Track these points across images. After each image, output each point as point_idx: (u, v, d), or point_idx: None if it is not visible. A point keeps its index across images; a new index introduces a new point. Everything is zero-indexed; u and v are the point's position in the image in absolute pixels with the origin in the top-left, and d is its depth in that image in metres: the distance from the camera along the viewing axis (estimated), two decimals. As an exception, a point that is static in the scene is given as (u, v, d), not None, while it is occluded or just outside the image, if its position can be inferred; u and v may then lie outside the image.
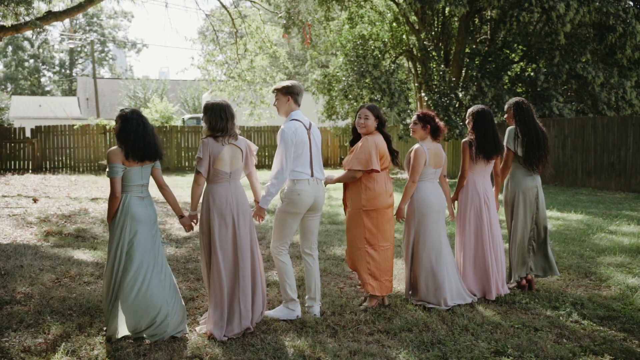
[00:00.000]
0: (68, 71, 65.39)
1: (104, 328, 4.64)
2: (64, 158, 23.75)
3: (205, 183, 4.82)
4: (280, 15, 21.61)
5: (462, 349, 4.35)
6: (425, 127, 5.57)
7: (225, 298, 4.69)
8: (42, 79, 65.64)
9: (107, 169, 4.61)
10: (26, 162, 23.36)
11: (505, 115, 6.01)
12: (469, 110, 5.86)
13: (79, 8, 16.05)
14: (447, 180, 5.91)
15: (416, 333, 4.71)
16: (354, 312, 5.21)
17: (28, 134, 24.10)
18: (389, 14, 20.97)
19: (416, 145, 5.58)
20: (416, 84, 20.93)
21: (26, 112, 45.44)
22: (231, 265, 4.75)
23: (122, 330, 4.57)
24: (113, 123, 18.87)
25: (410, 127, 5.69)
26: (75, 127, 23.94)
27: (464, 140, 5.82)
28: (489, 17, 19.52)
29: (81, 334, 4.66)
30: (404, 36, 21.02)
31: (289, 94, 5.18)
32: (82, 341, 4.49)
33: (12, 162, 23.21)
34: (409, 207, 5.61)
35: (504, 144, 5.88)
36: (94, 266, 6.89)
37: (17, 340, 4.51)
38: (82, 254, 7.55)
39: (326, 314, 5.18)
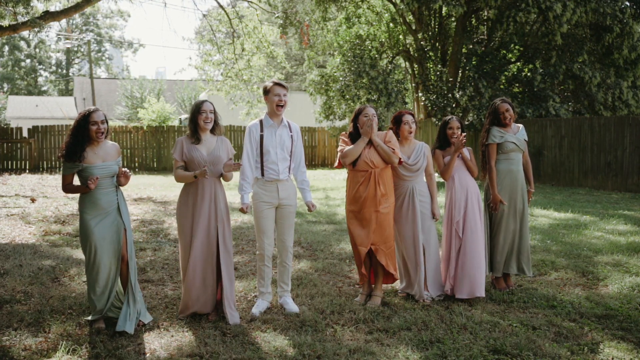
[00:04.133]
0: (65, 71, 65.25)
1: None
2: (61, 158, 23.72)
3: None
4: (277, 15, 21.64)
5: (460, 348, 4.38)
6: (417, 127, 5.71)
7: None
8: (39, 79, 65.50)
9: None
10: (23, 162, 23.34)
11: (509, 116, 5.97)
12: None
13: (76, 8, 16.04)
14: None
15: (415, 332, 4.73)
16: (353, 311, 5.23)
17: (25, 133, 24.07)
18: (386, 14, 21.01)
19: (426, 145, 5.71)
20: (413, 84, 20.98)
21: (23, 112, 45.30)
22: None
23: None
24: (112, 123, 18.91)
25: (411, 127, 5.65)
26: (72, 127, 23.88)
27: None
28: (485, 18, 19.57)
29: (81, 332, 4.68)
30: (401, 36, 21.06)
31: None
32: (82, 340, 4.51)
33: (9, 162, 23.20)
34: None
35: (526, 138, 6.02)
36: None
37: (18, 338, 4.52)
38: (81, 254, 7.55)
39: (325, 313, 5.20)
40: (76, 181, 4.90)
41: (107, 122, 4.85)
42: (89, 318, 4.89)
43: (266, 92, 5.29)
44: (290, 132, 5.36)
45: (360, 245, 5.45)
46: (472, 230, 5.67)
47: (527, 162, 6.04)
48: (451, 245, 5.73)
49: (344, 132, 5.73)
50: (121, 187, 5.03)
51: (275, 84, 5.25)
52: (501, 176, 5.91)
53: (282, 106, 5.24)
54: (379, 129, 5.54)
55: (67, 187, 4.88)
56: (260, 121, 5.35)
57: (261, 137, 5.27)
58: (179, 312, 5.08)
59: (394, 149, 5.37)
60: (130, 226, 4.99)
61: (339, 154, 5.55)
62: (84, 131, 4.74)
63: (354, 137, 5.50)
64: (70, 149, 4.74)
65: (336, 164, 5.70)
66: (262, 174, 5.26)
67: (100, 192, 4.78)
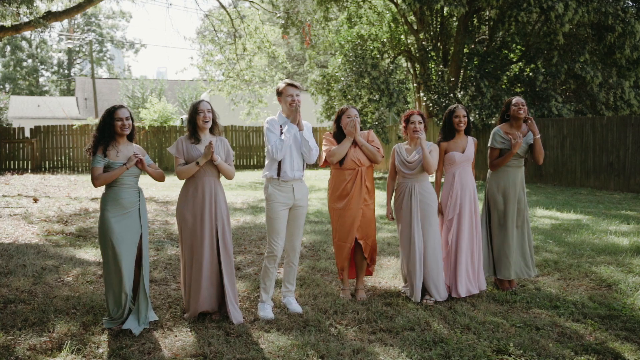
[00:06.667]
0: (66, 71, 65.31)
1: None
2: (63, 158, 23.78)
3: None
4: (279, 15, 21.65)
5: (464, 348, 4.38)
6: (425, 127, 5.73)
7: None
8: (41, 79, 65.56)
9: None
10: (25, 162, 23.39)
11: (521, 111, 6.02)
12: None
13: (78, 8, 16.07)
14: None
15: (418, 332, 4.73)
16: (356, 311, 5.24)
17: (27, 134, 24.09)
18: (387, 14, 21.02)
19: (433, 144, 5.72)
20: (415, 84, 20.99)
21: (25, 112, 45.37)
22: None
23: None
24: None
25: (417, 127, 5.62)
26: (74, 127, 23.94)
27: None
28: (487, 17, 19.57)
29: (85, 332, 4.69)
30: (403, 36, 21.08)
31: None
32: (86, 339, 4.52)
33: (12, 162, 23.24)
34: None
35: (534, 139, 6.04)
36: (96, 265, 6.91)
37: (23, 338, 4.53)
38: (84, 254, 7.57)
39: (328, 313, 5.21)
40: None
41: (132, 120, 4.91)
42: (105, 325, 4.79)
43: (279, 93, 5.32)
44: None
45: (346, 242, 5.59)
46: (464, 228, 5.70)
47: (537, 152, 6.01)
48: (445, 243, 5.76)
49: (327, 132, 5.83)
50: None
51: (288, 84, 5.27)
52: (498, 176, 5.94)
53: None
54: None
55: (99, 177, 4.75)
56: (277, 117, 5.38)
57: (281, 131, 5.24)
58: (189, 315, 5.01)
59: (378, 148, 5.56)
60: (147, 231, 5.00)
61: (324, 153, 5.63)
62: (110, 127, 4.82)
63: (338, 137, 5.64)
64: (96, 144, 4.84)
65: (321, 162, 5.72)
66: (278, 174, 5.24)
67: (123, 190, 4.82)
